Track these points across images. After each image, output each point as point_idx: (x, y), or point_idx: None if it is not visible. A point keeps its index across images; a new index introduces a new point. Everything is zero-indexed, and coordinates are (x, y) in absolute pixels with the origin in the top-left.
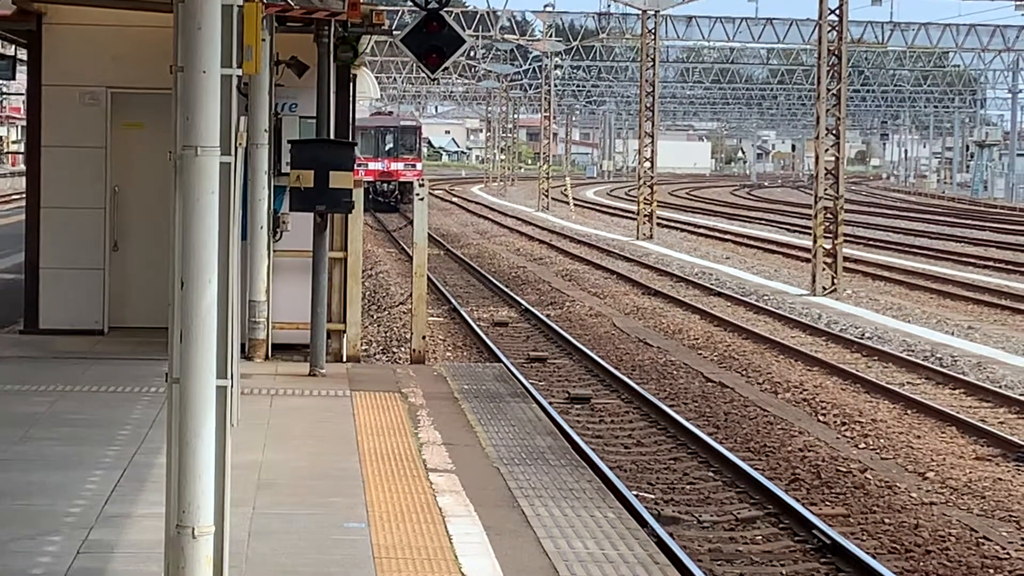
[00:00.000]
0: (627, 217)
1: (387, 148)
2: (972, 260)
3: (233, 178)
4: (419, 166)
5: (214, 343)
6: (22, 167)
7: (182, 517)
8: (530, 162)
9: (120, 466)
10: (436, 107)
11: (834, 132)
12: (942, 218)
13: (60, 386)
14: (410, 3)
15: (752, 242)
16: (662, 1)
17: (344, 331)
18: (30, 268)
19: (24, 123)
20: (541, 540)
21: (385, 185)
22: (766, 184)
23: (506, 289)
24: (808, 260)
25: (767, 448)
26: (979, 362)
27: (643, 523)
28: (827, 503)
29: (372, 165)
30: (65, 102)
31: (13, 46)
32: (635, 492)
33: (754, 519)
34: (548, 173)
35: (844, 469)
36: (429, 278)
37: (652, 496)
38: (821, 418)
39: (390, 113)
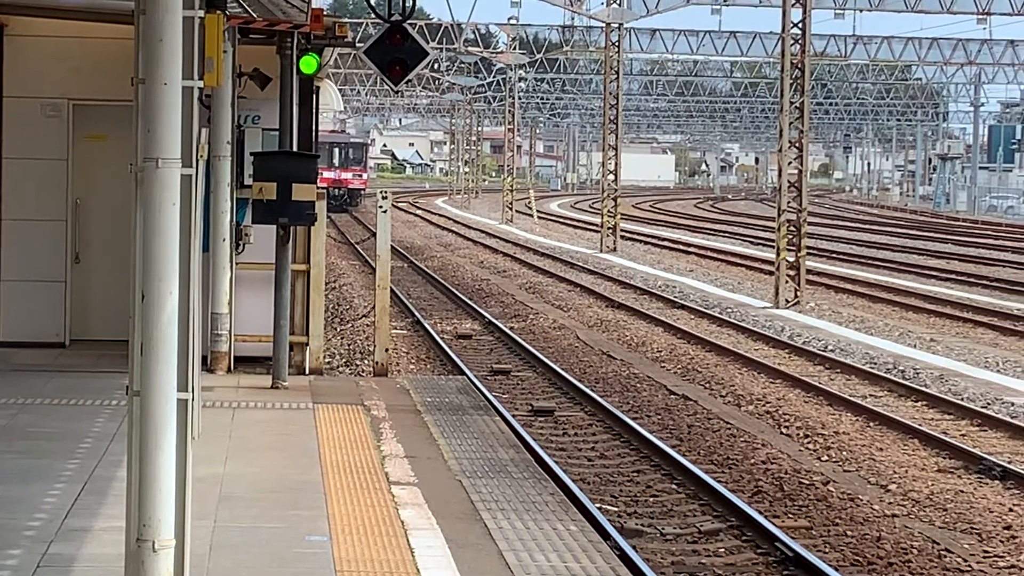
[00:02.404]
0: (591, 230)
1: (339, 160)
2: (934, 273)
3: (194, 190)
4: (365, 176)
5: (175, 355)
6: None
7: (142, 531)
8: (494, 175)
9: (81, 479)
10: (400, 119)
11: (797, 145)
12: (905, 231)
13: (20, 399)
14: (373, 15)
15: (716, 255)
16: (626, 14)
17: (307, 343)
18: None
19: None
20: (504, 553)
21: (336, 191)
22: (730, 197)
23: (470, 302)
24: (771, 273)
25: (730, 460)
26: (941, 375)
27: (606, 536)
28: (790, 515)
29: (326, 174)
30: (26, 114)
31: None
32: (598, 505)
33: (717, 532)
34: (512, 186)
35: (807, 481)
36: (393, 290)
37: (615, 509)
38: (784, 431)
39: (343, 131)
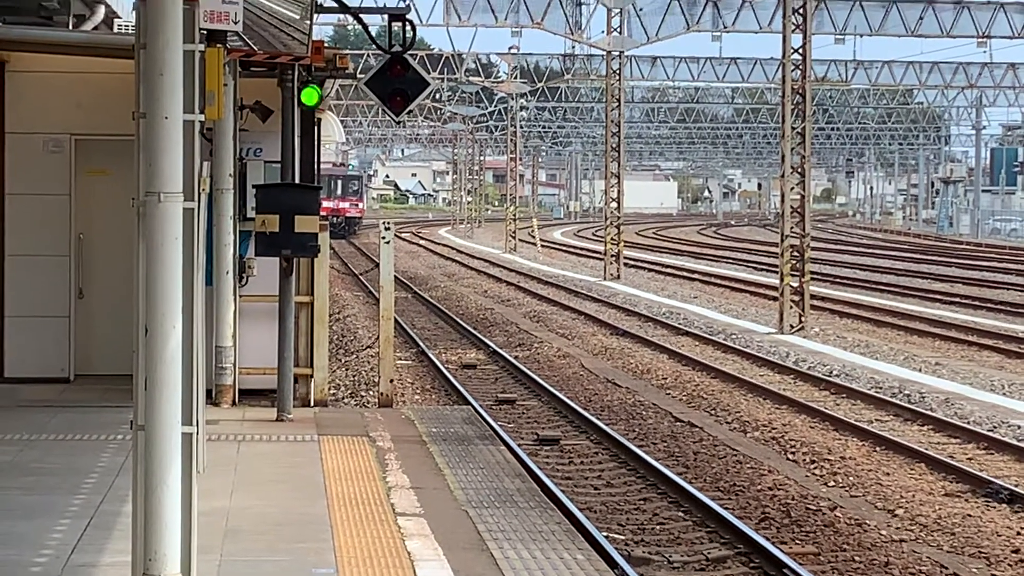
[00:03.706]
0: (594, 257)
1: (338, 191)
2: (938, 296)
3: (197, 223)
4: (361, 205)
5: (179, 390)
6: None
7: (149, 565)
8: (497, 204)
9: (86, 515)
10: (402, 150)
11: (799, 170)
12: (908, 255)
13: (26, 435)
14: (374, 47)
15: (719, 281)
16: (626, 42)
17: (311, 375)
18: None
19: None
20: None
21: (335, 219)
22: (732, 223)
23: (474, 331)
24: (775, 298)
25: (737, 487)
26: (947, 398)
27: (613, 564)
28: (797, 541)
29: (326, 204)
30: (29, 149)
31: None
32: (605, 533)
33: (724, 559)
34: (515, 214)
35: (814, 507)
36: (397, 321)
37: (622, 537)
38: (790, 456)
39: (342, 164)
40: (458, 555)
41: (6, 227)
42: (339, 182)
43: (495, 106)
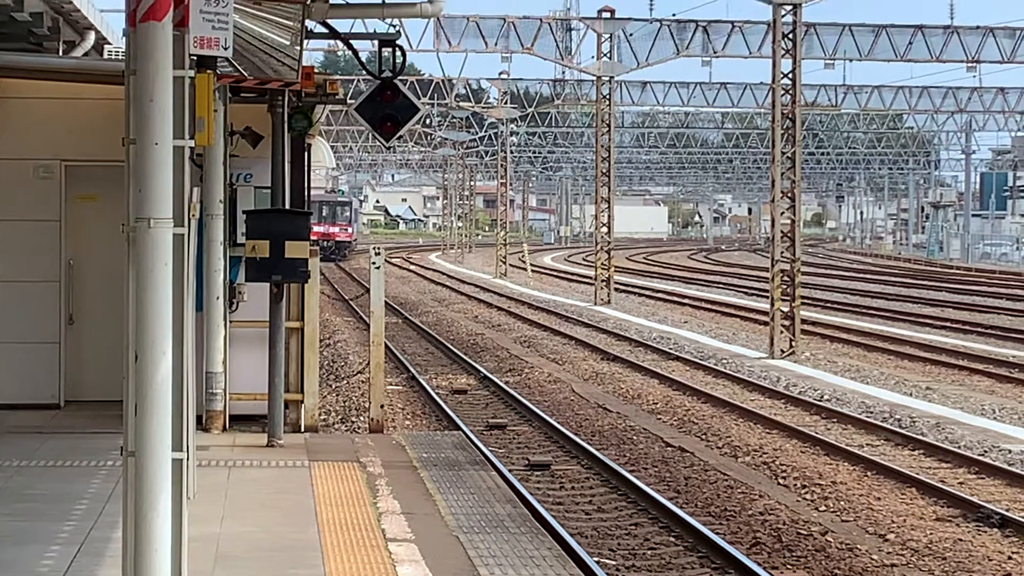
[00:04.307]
0: (585, 282)
1: (329, 216)
2: (929, 321)
3: (187, 249)
4: (350, 230)
5: (169, 416)
6: None
7: None
8: (487, 229)
9: (77, 541)
10: (392, 175)
11: (790, 195)
12: (899, 279)
13: (15, 461)
14: (364, 72)
15: (710, 306)
16: (616, 67)
17: (302, 401)
18: None
19: None
20: None
21: (326, 242)
22: (723, 248)
23: (465, 356)
24: (766, 323)
25: (728, 512)
26: (937, 423)
27: None
28: (788, 566)
29: (317, 228)
30: (19, 175)
31: None
32: (596, 558)
33: None
34: (505, 240)
35: (805, 532)
36: (387, 346)
37: (613, 562)
38: (781, 481)
39: (333, 191)
40: None
41: None
42: (329, 207)
43: (485, 131)
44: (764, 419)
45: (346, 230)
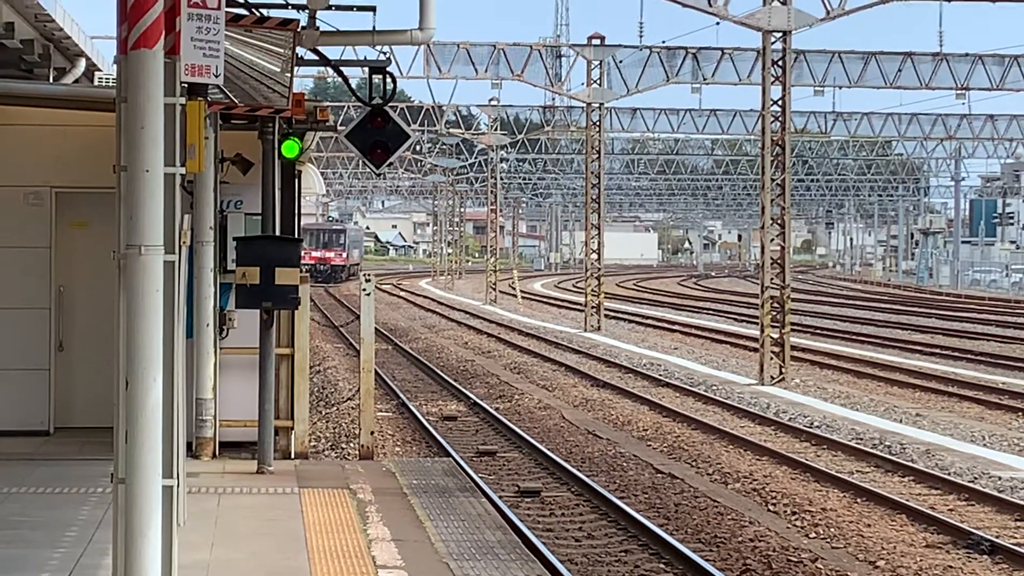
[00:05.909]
0: (575, 309)
1: (324, 242)
2: (919, 347)
3: (177, 276)
4: (344, 255)
5: (159, 442)
6: None
7: None
8: (477, 255)
9: (66, 568)
10: (383, 201)
11: (779, 221)
12: (888, 306)
13: (5, 488)
14: (354, 99)
15: (700, 332)
16: (606, 94)
17: (292, 428)
18: None
19: None
20: None
21: (321, 266)
22: (713, 274)
23: (455, 383)
24: (756, 349)
25: (718, 539)
26: (928, 449)
27: None
28: None
29: (314, 253)
30: (9, 202)
31: None
32: None
33: None
34: (496, 266)
35: (795, 559)
36: (377, 373)
37: None
38: (771, 508)
39: (330, 219)
40: None
41: None
42: (324, 234)
43: (475, 158)
44: (754, 446)
45: (340, 255)
